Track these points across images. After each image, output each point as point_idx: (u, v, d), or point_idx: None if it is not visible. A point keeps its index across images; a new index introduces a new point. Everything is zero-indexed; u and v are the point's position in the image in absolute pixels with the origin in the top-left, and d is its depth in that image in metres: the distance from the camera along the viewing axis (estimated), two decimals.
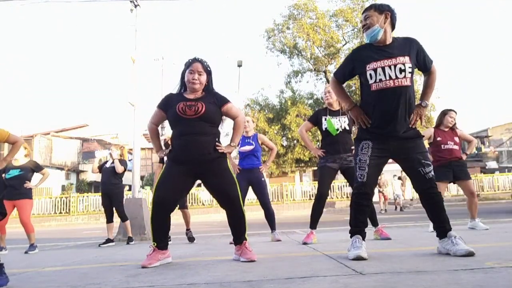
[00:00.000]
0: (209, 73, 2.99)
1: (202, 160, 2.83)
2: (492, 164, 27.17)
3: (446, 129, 4.85)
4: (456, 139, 4.79)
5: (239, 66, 18.01)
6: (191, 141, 2.80)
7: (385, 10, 2.63)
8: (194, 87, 2.91)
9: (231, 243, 4.48)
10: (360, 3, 20.40)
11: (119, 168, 5.84)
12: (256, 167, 4.67)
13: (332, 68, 21.39)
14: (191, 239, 5.31)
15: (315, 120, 4.09)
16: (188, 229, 5.48)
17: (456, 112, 4.91)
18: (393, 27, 2.67)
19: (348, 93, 2.98)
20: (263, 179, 4.75)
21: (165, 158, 4.82)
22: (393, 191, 14.74)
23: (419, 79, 15.92)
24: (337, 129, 3.93)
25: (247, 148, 4.66)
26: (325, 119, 3.99)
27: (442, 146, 4.75)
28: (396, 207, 14.07)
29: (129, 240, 5.91)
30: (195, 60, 2.96)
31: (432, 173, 2.62)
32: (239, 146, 4.64)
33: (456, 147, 4.77)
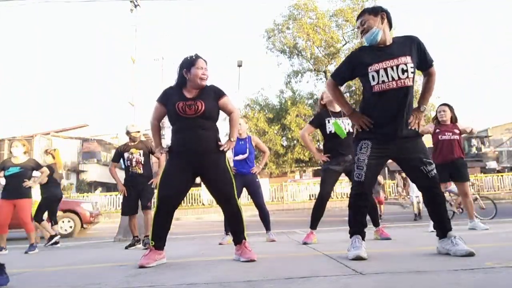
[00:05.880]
0: None
1: (202, 152, 2.84)
2: (492, 164, 27.17)
3: (447, 123, 4.84)
4: (456, 130, 4.76)
5: (239, 66, 17.98)
6: (191, 134, 2.83)
7: (380, 11, 2.61)
8: (203, 83, 2.93)
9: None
10: (360, 3, 20.41)
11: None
12: (249, 172, 4.68)
13: (332, 68, 21.38)
14: (147, 245, 4.08)
15: (318, 123, 4.03)
16: (146, 236, 4.50)
17: (448, 105, 4.89)
18: (390, 26, 2.65)
19: (348, 94, 2.98)
20: (257, 180, 4.76)
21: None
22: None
23: (418, 79, 15.89)
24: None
25: (241, 157, 4.68)
26: (329, 121, 3.91)
27: (440, 136, 4.74)
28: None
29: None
30: (198, 56, 2.97)
31: (435, 171, 2.61)
32: (233, 154, 4.65)
33: (455, 137, 4.72)
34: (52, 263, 3.51)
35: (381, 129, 2.61)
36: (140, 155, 4.86)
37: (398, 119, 2.57)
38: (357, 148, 2.70)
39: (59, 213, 9.10)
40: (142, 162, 4.85)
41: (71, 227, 9.23)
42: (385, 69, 2.52)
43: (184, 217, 14.20)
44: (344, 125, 3.86)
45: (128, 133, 4.99)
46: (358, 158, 2.66)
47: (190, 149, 2.83)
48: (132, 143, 4.95)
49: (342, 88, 2.92)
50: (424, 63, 2.65)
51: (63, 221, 9.15)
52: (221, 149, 2.90)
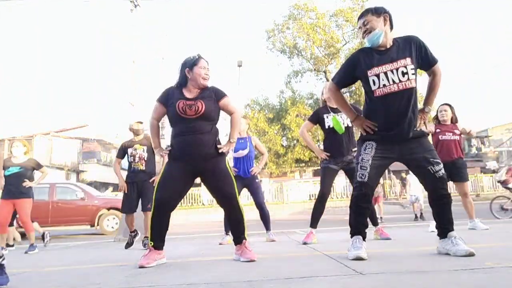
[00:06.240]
0: None
1: (202, 157, 2.85)
2: (491, 164, 27.15)
3: (447, 123, 4.84)
4: (456, 131, 4.76)
5: (239, 66, 17.99)
6: (191, 139, 2.83)
7: (382, 13, 2.59)
8: (205, 83, 2.94)
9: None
10: (360, 3, 20.42)
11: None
12: (249, 173, 4.64)
13: (332, 68, 21.42)
14: (147, 245, 4.10)
15: (316, 119, 4.04)
16: (146, 236, 4.41)
17: (449, 105, 4.89)
18: (391, 28, 2.63)
19: (348, 93, 2.96)
20: (257, 180, 4.75)
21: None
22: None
23: (419, 79, 15.90)
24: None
25: (242, 153, 4.64)
26: (327, 117, 3.93)
27: (440, 136, 4.74)
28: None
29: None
30: (201, 56, 2.99)
31: (443, 171, 2.57)
32: (233, 151, 4.60)
33: (455, 137, 4.72)
34: (52, 263, 3.51)
35: (386, 132, 2.59)
36: (143, 151, 4.79)
37: (402, 121, 2.54)
38: (361, 149, 2.68)
39: (104, 211, 9.68)
40: (145, 159, 4.78)
41: (116, 223, 9.35)
42: (385, 73, 2.51)
43: (175, 217, 14.07)
44: (342, 120, 3.88)
45: (131, 129, 4.95)
46: (362, 159, 2.64)
47: (190, 156, 2.85)
48: (137, 139, 4.90)
49: (343, 89, 2.91)
50: (426, 63, 2.61)
51: (108, 219, 9.51)
52: (220, 151, 2.90)
